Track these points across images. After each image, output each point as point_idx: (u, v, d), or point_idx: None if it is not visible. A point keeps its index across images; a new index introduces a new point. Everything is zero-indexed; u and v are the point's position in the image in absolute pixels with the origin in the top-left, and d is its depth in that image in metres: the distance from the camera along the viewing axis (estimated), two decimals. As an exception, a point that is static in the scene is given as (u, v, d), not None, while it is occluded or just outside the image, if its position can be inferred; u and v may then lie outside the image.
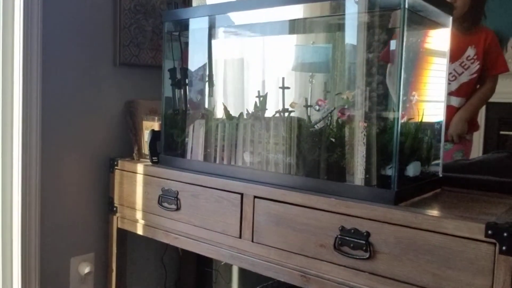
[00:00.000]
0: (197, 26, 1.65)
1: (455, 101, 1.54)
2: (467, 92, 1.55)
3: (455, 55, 1.50)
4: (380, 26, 1.26)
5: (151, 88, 1.92)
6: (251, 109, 1.52)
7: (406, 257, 1.08)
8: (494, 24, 1.50)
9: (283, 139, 1.39)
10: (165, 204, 1.57)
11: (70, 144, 1.73)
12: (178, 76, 1.71)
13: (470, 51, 1.53)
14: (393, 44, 1.23)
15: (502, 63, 1.54)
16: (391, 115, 1.21)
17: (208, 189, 1.45)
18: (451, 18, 1.38)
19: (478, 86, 1.56)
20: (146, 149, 1.76)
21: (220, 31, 1.67)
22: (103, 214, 1.84)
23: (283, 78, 1.45)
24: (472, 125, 1.56)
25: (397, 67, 1.14)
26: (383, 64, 1.28)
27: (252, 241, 1.35)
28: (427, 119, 1.33)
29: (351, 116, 1.26)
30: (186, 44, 1.72)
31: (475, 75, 1.53)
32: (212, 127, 1.56)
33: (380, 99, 1.25)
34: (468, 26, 1.53)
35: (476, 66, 1.53)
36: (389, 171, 1.18)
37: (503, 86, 1.51)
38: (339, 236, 1.17)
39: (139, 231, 1.70)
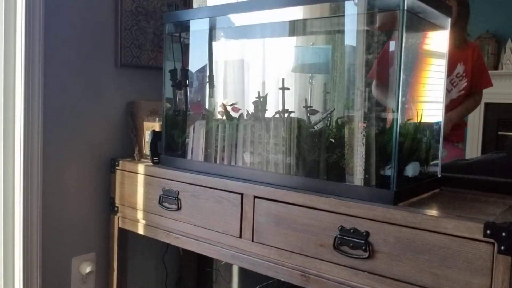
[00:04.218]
0: (198, 28, 1.66)
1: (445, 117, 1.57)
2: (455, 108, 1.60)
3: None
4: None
5: (152, 89, 1.93)
6: (251, 109, 1.53)
7: (405, 257, 1.09)
8: (492, 25, 1.51)
9: (283, 139, 1.40)
10: (166, 204, 1.58)
11: (72, 145, 1.74)
12: (179, 77, 1.72)
13: (459, 68, 1.56)
14: (392, 46, 1.24)
15: (487, 79, 1.60)
16: (389, 116, 1.22)
17: (209, 189, 1.46)
18: (449, 20, 1.39)
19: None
20: (147, 150, 1.77)
21: (220, 33, 1.68)
22: (104, 214, 1.85)
23: (283, 79, 1.46)
24: (459, 132, 1.61)
25: (396, 68, 1.15)
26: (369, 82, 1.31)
27: (252, 241, 1.36)
28: (425, 119, 1.34)
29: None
30: (187, 45, 1.73)
31: (462, 92, 1.57)
32: (212, 128, 1.57)
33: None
34: (455, 42, 1.53)
35: (464, 84, 1.56)
36: (388, 172, 1.19)
37: (502, 87, 1.51)
38: (338, 236, 1.18)
39: (140, 231, 1.71)
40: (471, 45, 1.59)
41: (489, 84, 1.60)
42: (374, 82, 1.31)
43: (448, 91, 1.57)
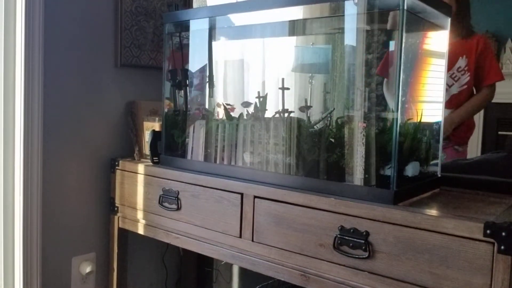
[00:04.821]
0: (198, 28, 1.66)
1: (445, 113, 1.52)
2: (457, 104, 1.53)
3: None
4: (379, 27, 1.27)
5: (152, 89, 1.93)
6: (251, 109, 1.53)
7: (405, 257, 1.09)
8: (492, 25, 1.50)
9: (283, 139, 1.40)
10: (166, 204, 1.58)
11: (72, 145, 1.74)
12: (179, 77, 1.72)
13: (461, 62, 1.50)
14: (392, 46, 1.24)
15: (496, 72, 1.47)
16: (389, 116, 1.22)
17: (209, 189, 1.46)
18: (449, 20, 1.39)
19: (475, 93, 1.53)
20: (147, 150, 1.77)
21: (220, 33, 1.67)
22: (104, 214, 1.85)
23: (282, 79, 1.46)
24: (463, 135, 1.54)
25: (396, 68, 1.15)
26: (380, 78, 1.28)
27: (252, 240, 1.36)
28: (425, 119, 1.34)
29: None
30: (187, 45, 1.73)
31: (465, 87, 1.49)
32: (212, 128, 1.57)
33: (379, 99, 1.26)
34: (458, 32, 1.47)
35: (466, 78, 1.49)
36: (388, 171, 1.19)
37: (502, 87, 1.51)
38: (338, 235, 1.18)
39: (140, 231, 1.71)
40: (477, 37, 1.49)
41: (497, 77, 1.47)
42: (385, 81, 1.28)
43: (449, 86, 1.50)
